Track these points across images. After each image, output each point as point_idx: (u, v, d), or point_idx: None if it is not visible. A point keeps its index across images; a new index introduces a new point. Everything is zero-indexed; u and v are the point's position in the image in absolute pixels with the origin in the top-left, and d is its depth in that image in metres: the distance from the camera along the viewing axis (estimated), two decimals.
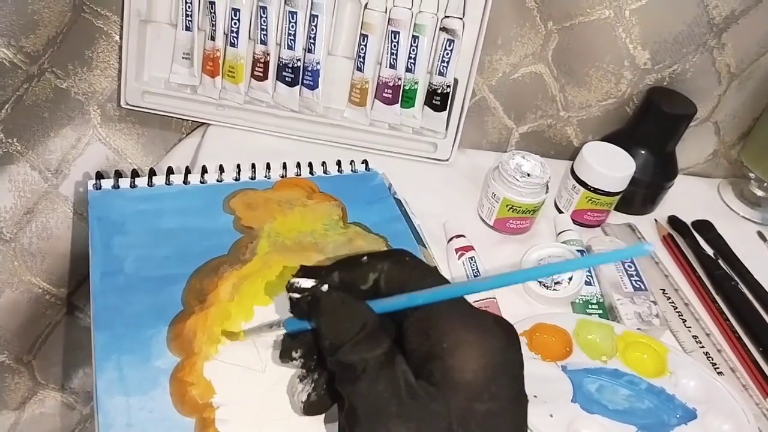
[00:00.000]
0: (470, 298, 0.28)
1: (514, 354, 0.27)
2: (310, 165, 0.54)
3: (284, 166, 0.53)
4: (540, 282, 0.50)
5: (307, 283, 0.29)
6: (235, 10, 0.57)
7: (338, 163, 0.55)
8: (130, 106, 0.59)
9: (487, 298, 0.48)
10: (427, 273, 0.29)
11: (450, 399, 0.25)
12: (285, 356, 0.30)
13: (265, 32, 0.58)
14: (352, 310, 0.28)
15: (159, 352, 0.36)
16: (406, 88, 0.60)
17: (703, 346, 0.50)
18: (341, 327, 0.27)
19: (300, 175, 0.53)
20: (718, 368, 0.49)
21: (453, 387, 0.25)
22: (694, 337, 0.51)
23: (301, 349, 0.30)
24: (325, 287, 0.29)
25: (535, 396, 0.41)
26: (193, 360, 0.36)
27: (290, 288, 0.29)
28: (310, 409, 0.30)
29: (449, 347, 0.26)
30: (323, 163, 0.55)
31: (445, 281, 0.29)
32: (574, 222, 0.58)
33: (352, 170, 0.56)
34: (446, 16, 0.57)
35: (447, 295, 0.27)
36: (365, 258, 0.29)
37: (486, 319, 0.27)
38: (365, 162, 0.57)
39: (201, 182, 0.50)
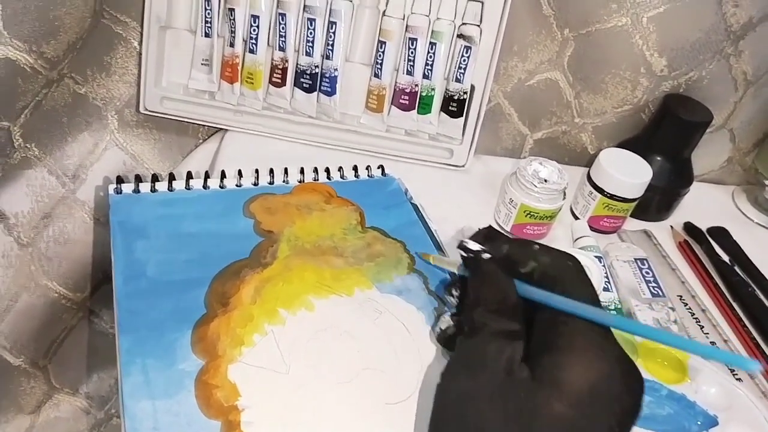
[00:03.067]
0: None
1: (625, 399, 0.26)
2: (327, 170, 0.54)
3: (302, 171, 0.53)
4: None
5: (475, 246, 0.33)
6: (255, 17, 0.57)
7: (355, 168, 0.55)
8: (149, 111, 0.60)
9: None
10: (580, 285, 0.30)
11: (538, 391, 0.26)
12: (447, 291, 0.37)
13: (283, 39, 0.58)
14: (500, 283, 0.31)
15: (183, 356, 0.36)
16: (423, 94, 0.60)
17: None
18: (486, 293, 0.30)
19: (317, 180, 0.54)
20: (736, 374, 0.48)
21: (549, 381, 0.26)
22: (712, 343, 0.51)
23: (460, 290, 0.36)
24: (486, 255, 0.32)
25: None
26: (217, 363, 0.36)
27: (459, 246, 0.34)
28: (443, 339, 0.37)
29: (567, 348, 0.27)
30: (340, 169, 0.55)
31: (596, 301, 0.29)
32: (591, 228, 0.58)
33: (368, 175, 0.56)
34: (463, 23, 0.57)
35: (587, 315, 0.28)
36: (537, 246, 0.32)
37: (614, 350, 0.27)
38: (381, 167, 0.57)
39: (220, 187, 0.50)
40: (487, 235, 0.34)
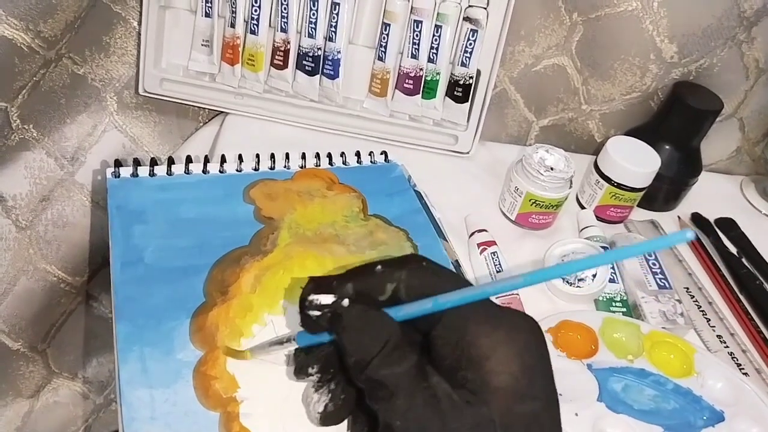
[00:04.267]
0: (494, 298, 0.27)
1: (545, 350, 0.26)
2: (330, 156, 0.53)
3: (303, 156, 0.52)
4: (563, 278, 0.49)
5: (327, 299, 0.27)
6: None
7: (357, 154, 0.55)
8: (148, 93, 0.59)
9: (509, 294, 0.47)
10: (449, 277, 0.28)
11: (491, 404, 0.24)
12: (301, 373, 0.29)
13: (285, 20, 0.57)
14: (376, 323, 0.26)
15: (181, 345, 0.35)
16: (428, 78, 0.59)
17: (727, 346, 0.49)
18: (367, 342, 0.26)
19: (319, 165, 0.53)
20: (743, 369, 0.48)
21: (493, 392, 0.24)
22: (719, 336, 0.50)
23: (317, 364, 0.28)
24: (345, 302, 0.27)
25: (561, 394, 0.40)
26: (216, 354, 0.35)
27: (309, 306, 0.27)
28: (327, 419, 0.29)
29: (484, 352, 0.25)
30: (342, 154, 0.54)
31: (468, 283, 0.27)
32: (597, 218, 0.57)
33: (371, 162, 0.55)
34: (470, 6, 0.56)
35: (473, 298, 0.25)
36: (379, 267, 0.27)
37: (514, 316, 0.26)
38: (384, 153, 0.56)
39: (220, 171, 0.49)
40: (318, 285, 0.28)
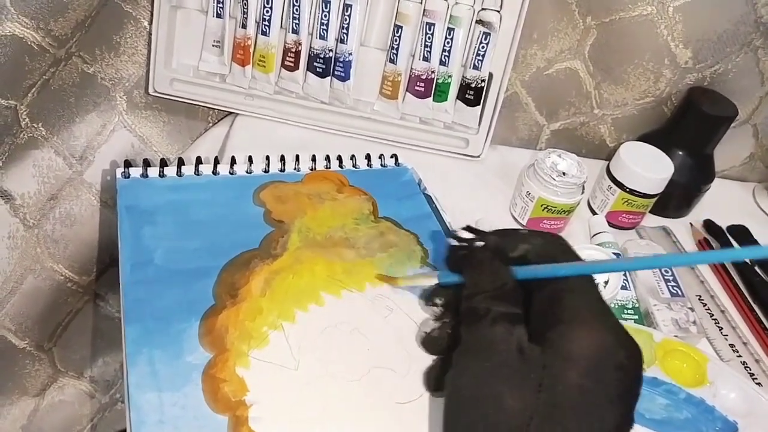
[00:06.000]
0: None
1: (627, 366, 0.27)
2: (340, 158, 0.53)
3: (313, 158, 0.52)
4: None
5: (468, 235, 0.33)
6: None
7: (368, 156, 0.54)
8: (159, 93, 0.58)
9: None
10: (575, 258, 0.30)
11: (553, 364, 0.26)
12: (429, 300, 0.36)
13: (297, 21, 0.56)
14: (497, 269, 0.31)
15: (191, 348, 0.35)
16: (439, 81, 0.58)
17: (740, 355, 0.49)
18: (483, 280, 0.30)
19: (329, 168, 0.52)
20: (756, 378, 0.47)
21: (561, 354, 0.26)
22: (731, 345, 0.50)
23: (444, 298, 0.35)
24: (480, 243, 0.32)
25: None
26: (225, 356, 0.35)
27: (453, 236, 0.34)
28: (427, 342, 0.36)
29: (572, 320, 0.27)
30: (352, 157, 0.54)
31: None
32: (609, 224, 0.57)
33: (381, 165, 0.54)
34: (483, 9, 0.55)
35: (588, 271, 0.28)
36: (524, 230, 0.33)
37: (613, 321, 0.28)
38: (395, 156, 0.55)
39: (230, 173, 0.49)
40: (470, 231, 0.34)
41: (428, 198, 0.51)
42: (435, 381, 0.35)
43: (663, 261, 0.28)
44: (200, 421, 0.32)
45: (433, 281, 0.36)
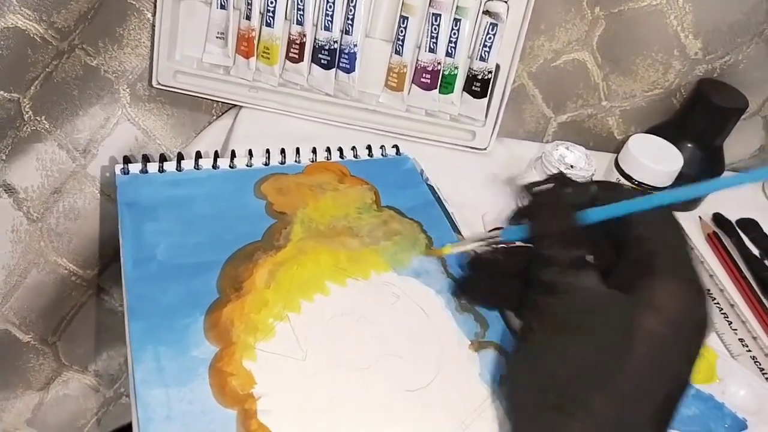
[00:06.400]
0: None
1: (704, 326, 0.28)
2: (340, 149, 0.53)
3: (314, 150, 0.52)
4: None
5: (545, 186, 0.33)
6: None
7: (368, 147, 0.54)
8: (162, 85, 0.58)
9: None
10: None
11: (635, 308, 0.27)
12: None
13: (301, 12, 0.56)
14: (564, 214, 0.31)
15: (196, 342, 0.35)
16: (446, 73, 0.58)
17: (750, 350, 0.48)
18: (550, 225, 0.31)
19: (330, 159, 0.52)
20: (765, 373, 0.47)
21: (645, 301, 0.27)
22: (741, 340, 0.49)
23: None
24: (537, 189, 0.33)
25: None
26: (231, 349, 0.35)
27: (527, 186, 0.33)
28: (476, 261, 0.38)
29: (659, 272, 0.28)
30: (353, 148, 0.53)
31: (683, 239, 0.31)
32: None
33: (382, 155, 0.54)
34: None
35: (649, 204, 0.29)
36: (623, 184, 0.34)
37: (699, 280, 0.29)
38: (396, 147, 0.55)
39: (230, 167, 0.49)
40: (563, 182, 0.33)
41: (430, 187, 0.51)
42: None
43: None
44: (208, 415, 0.32)
45: (477, 244, 0.37)
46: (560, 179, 0.34)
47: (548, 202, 0.32)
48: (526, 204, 0.33)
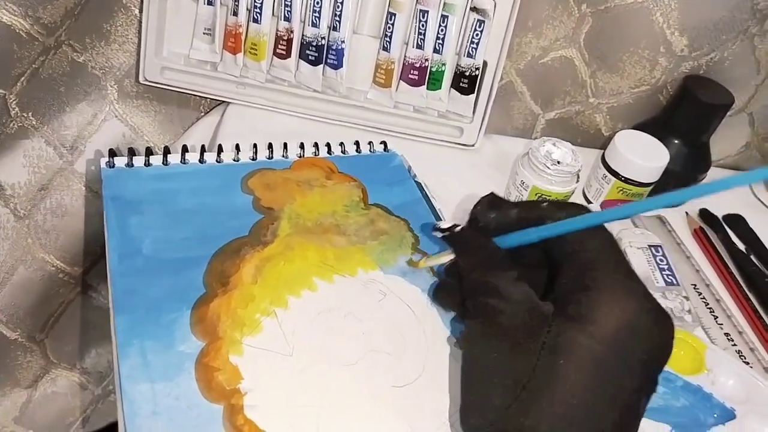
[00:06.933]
0: None
1: (654, 333, 0.27)
2: (328, 145, 0.52)
3: (302, 146, 0.52)
4: None
5: (446, 224, 0.36)
6: None
7: (356, 143, 0.54)
8: (149, 82, 0.58)
9: None
10: (596, 232, 0.30)
11: (567, 326, 0.26)
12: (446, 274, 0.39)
13: (289, 8, 0.56)
14: (480, 243, 0.33)
15: (183, 337, 0.35)
16: (433, 69, 0.58)
17: (735, 344, 0.49)
18: (471, 257, 0.33)
19: (317, 155, 0.52)
20: (751, 367, 0.47)
21: (578, 318, 0.26)
22: (726, 334, 0.49)
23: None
24: (458, 228, 0.35)
25: None
26: (218, 345, 0.35)
27: (434, 228, 0.36)
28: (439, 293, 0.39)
29: (594, 287, 0.27)
30: (341, 144, 0.53)
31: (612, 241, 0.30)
32: None
33: (370, 151, 0.54)
34: None
35: (594, 221, 0.29)
36: (546, 204, 0.32)
37: (640, 288, 0.28)
38: (384, 143, 0.55)
39: (217, 161, 0.48)
40: (491, 202, 0.34)
41: (418, 184, 0.51)
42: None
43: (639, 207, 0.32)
44: (195, 410, 0.32)
45: (450, 257, 0.38)
46: (487, 203, 0.34)
47: (465, 237, 0.34)
48: (448, 236, 0.35)
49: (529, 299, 0.29)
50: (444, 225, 0.36)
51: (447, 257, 0.38)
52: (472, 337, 0.31)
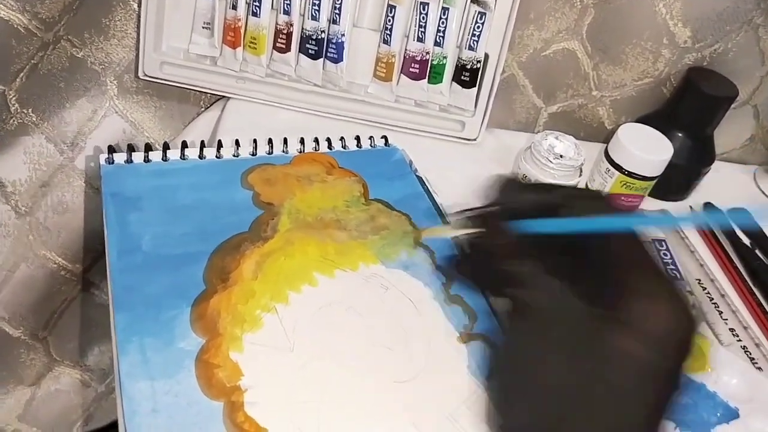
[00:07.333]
0: None
1: (687, 344, 0.27)
2: (329, 140, 0.52)
3: (302, 141, 0.51)
4: None
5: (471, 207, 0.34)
6: None
7: (357, 138, 0.53)
8: (148, 77, 0.57)
9: None
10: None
11: (612, 326, 0.26)
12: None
13: (288, 1, 0.55)
14: (500, 229, 0.31)
15: (182, 334, 0.34)
16: (434, 62, 0.57)
17: (740, 340, 0.48)
18: (490, 240, 0.32)
19: (318, 150, 0.52)
20: (756, 363, 0.47)
21: (624, 320, 0.26)
22: (731, 329, 0.49)
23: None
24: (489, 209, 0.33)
25: None
26: (218, 341, 0.34)
27: (461, 212, 0.35)
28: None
29: (639, 291, 0.26)
30: (341, 138, 0.53)
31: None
32: None
33: (371, 145, 0.54)
34: None
35: (625, 224, 0.28)
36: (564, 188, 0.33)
37: (682, 297, 0.27)
38: (385, 137, 0.55)
39: (217, 157, 0.48)
40: (509, 186, 0.33)
41: (419, 179, 0.51)
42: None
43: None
44: (194, 408, 0.32)
45: (453, 231, 0.37)
46: (509, 186, 0.33)
47: (486, 220, 0.33)
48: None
49: (572, 300, 0.28)
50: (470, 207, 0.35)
51: (452, 231, 0.37)
52: (516, 340, 0.30)
